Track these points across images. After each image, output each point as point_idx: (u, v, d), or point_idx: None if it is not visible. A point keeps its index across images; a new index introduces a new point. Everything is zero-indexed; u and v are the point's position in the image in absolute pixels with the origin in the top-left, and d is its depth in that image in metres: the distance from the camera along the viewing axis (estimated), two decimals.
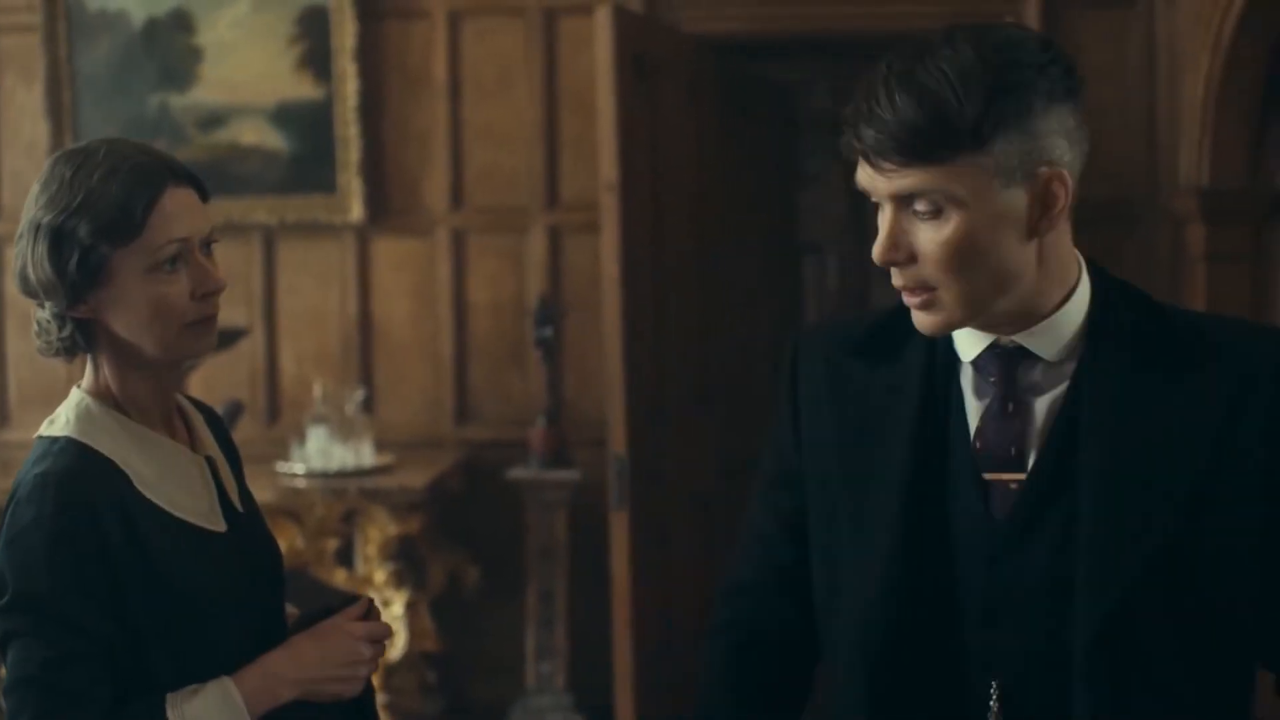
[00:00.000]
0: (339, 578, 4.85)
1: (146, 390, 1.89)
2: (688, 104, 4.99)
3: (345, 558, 4.92)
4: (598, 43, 4.45)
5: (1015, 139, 1.57)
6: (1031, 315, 1.66)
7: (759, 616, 1.88)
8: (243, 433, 5.18)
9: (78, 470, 1.79)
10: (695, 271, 5.10)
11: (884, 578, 1.69)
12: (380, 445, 5.01)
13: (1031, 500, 1.66)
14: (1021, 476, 1.67)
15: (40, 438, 1.86)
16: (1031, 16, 5.17)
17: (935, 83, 1.56)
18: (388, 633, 1.94)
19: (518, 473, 5.02)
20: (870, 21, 5.21)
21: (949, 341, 1.73)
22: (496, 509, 5.21)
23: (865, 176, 1.63)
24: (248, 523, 1.97)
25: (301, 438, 4.94)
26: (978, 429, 1.69)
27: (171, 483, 1.86)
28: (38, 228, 1.82)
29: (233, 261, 5.31)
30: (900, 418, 1.72)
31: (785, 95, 6.35)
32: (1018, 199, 1.59)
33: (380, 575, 4.82)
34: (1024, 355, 1.68)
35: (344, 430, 4.91)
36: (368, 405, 5.13)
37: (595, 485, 4.84)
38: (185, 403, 2.02)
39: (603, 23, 4.40)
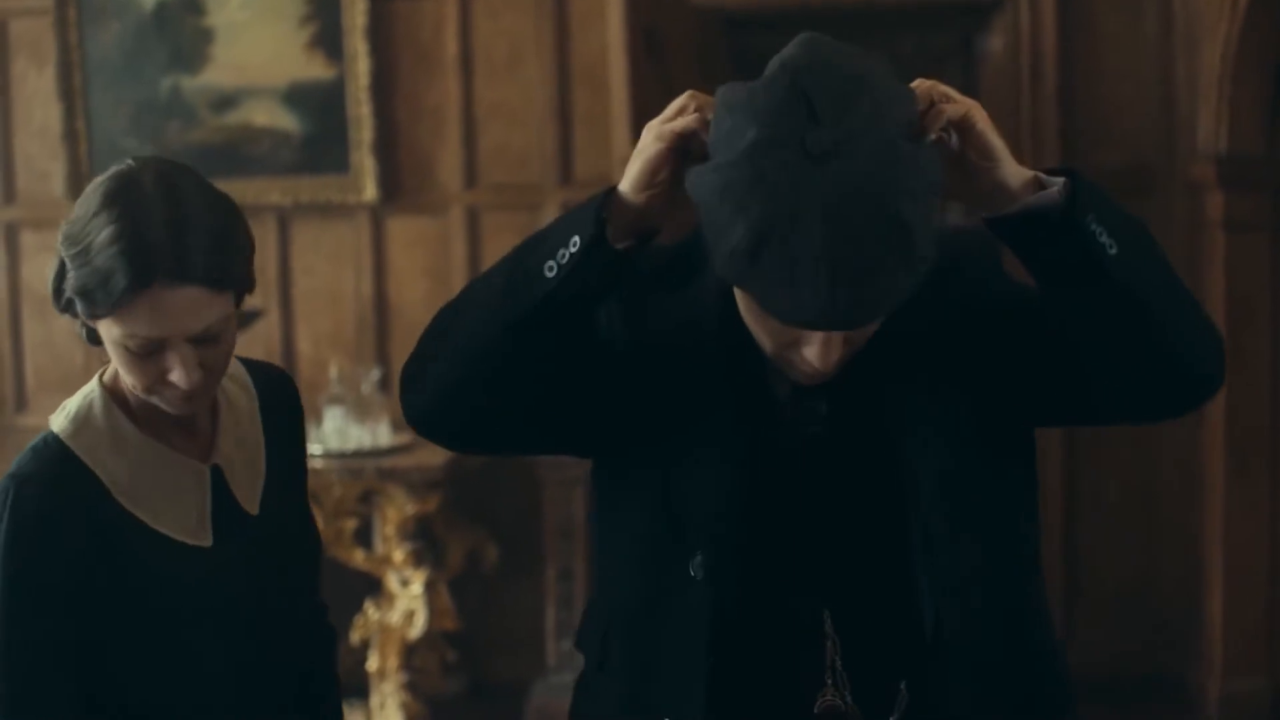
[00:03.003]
0: (358, 558, 4.86)
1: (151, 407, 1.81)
2: (699, 78, 4.97)
3: (364, 538, 4.92)
4: (609, 18, 4.44)
5: None
6: None
7: None
8: None
9: (48, 476, 1.74)
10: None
11: (730, 495, 1.74)
12: (397, 425, 5.00)
13: (842, 435, 1.76)
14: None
15: (49, 422, 1.82)
16: None
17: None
18: None
19: None
20: None
21: None
22: (514, 487, 5.20)
23: (798, 334, 1.64)
24: (261, 526, 1.88)
25: (318, 418, 4.94)
26: (786, 390, 1.75)
27: (156, 494, 1.79)
28: (57, 244, 1.73)
29: None
30: (709, 350, 1.76)
31: None
32: None
33: (399, 555, 4.82)
34: None
35: (360, 410, 4.91)
36: (384, 385, 5.12)
37: None
38: (230, 387, 1.93)
39: None
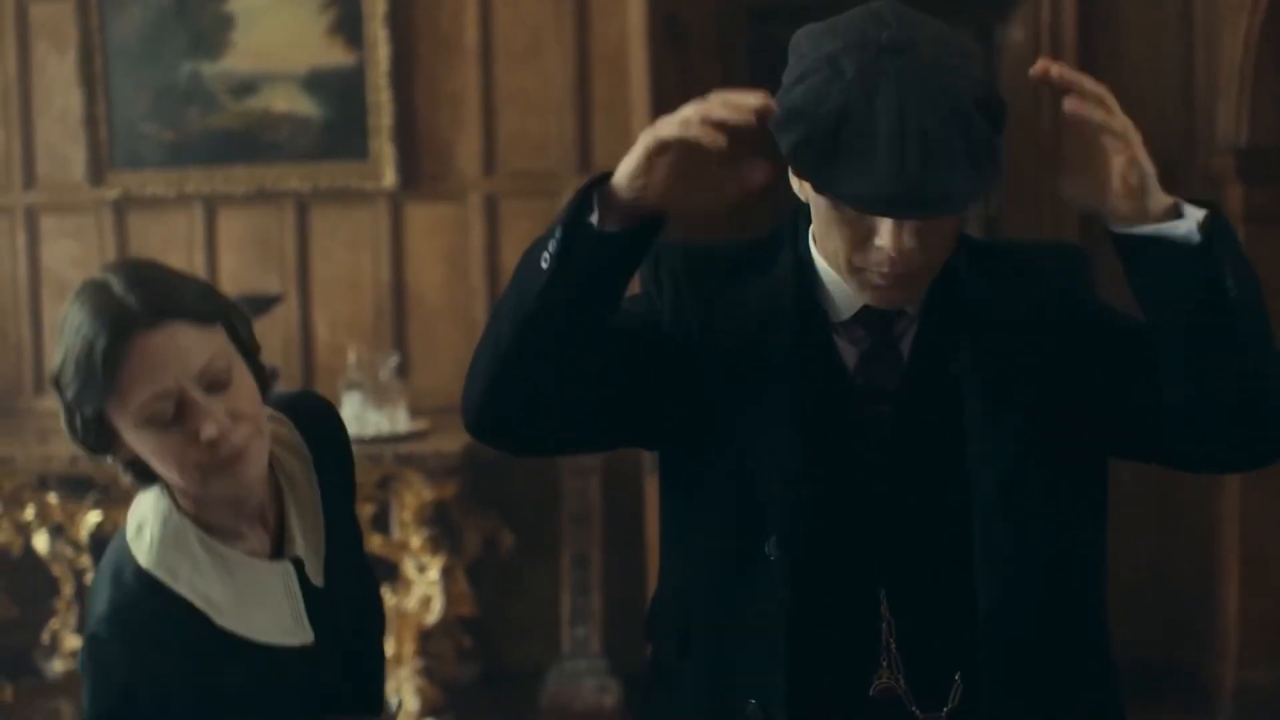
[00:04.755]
0: (375, 543, 4.87)
1: (220, 509, 1.75)
2: (719, 66, 4.97)
3: (381, 523, 4.94)
4: (629, 5, 4.43)
5: None
6: None
7: None
8: None
9: (150, 614, 1.69)
10: (725, 235, 5.08)
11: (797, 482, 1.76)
12: (414, 411, 5.02)
13: (909, 416, 1.77)
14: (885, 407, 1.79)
15: (126, 541, 1.74)
16: None
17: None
18: None
19: None
20: None
21: (815, 288, 1.79)
22: (531, 475, 5.21)
23: (874, 225, 1.65)
24: (333, 591, 1.82)
25: (336, 404, 4.95)
26: (856, 368, 1.78)
27: (253, 606, 1.74)
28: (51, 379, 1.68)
29: (266, 229, 5.33)
30: (782, 334, 1.78)
31: None
32: None
33: (416, 540, 4.83)
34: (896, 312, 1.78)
35: (378, 396, 4.92)
36: (401, 371, 5.14)
37: (629, 450, 4.83)
38: (286, 460, 1.83)
39: None
